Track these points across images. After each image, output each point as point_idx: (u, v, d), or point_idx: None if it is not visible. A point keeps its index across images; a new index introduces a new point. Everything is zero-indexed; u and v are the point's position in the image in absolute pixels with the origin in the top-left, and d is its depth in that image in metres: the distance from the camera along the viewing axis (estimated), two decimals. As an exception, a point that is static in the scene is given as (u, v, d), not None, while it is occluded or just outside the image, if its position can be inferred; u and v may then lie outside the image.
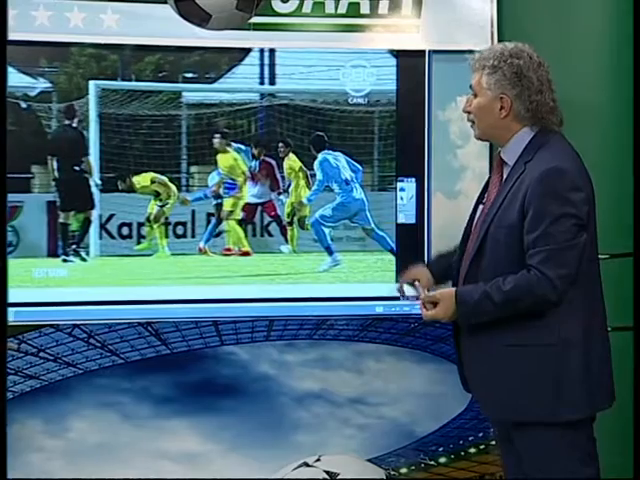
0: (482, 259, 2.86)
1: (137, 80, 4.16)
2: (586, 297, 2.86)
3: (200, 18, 3.12)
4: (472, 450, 4.24)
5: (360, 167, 4.29)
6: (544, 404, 2.81)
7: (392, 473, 4.18)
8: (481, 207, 2.98)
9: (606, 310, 2.96)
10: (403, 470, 4.24)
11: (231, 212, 4.34)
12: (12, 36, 3.06)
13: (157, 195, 4.27)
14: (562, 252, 2.72)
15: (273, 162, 4.34)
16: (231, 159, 4.30)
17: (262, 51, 4.18)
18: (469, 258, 2.90)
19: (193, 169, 4.32)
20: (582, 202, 2.76)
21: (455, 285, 2.98)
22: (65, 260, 4.11)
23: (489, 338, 2.84)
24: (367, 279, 4.27)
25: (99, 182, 4.15)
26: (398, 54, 4.18)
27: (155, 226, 4.27)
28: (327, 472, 3.55)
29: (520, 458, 2.92)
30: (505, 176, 2.90)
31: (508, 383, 2.83)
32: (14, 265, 3.85)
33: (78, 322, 4.02)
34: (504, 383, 2.83)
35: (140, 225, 4.26)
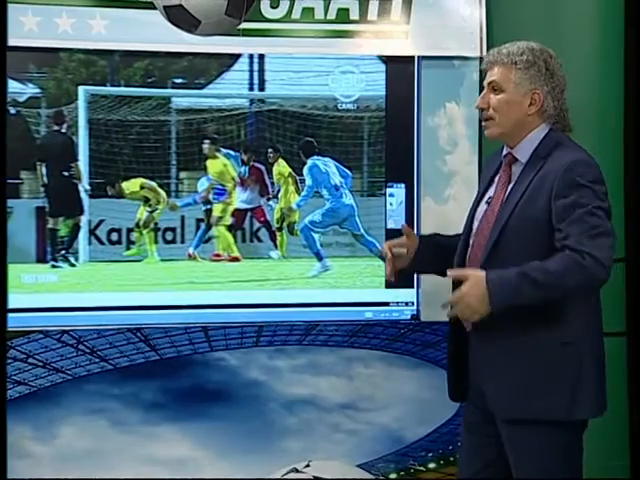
0: (500, 253, 2.82)
1: (126, 85, 4.16)
2: (596, 296, 2.89)
3: (189, 24, 3.12)
4: (461, 456, 4.24)
5: (349, 173, 4.29)
6: (561, 403, 2.80)
7: (381, 479, 4.18)
8: (485, 206, 2.95)
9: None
10: (392, 476, 4.24)
11: (220, 218, 4.33)
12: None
13: (146, 201, 4.27)
14: (598, 237, 2.70)
15: (262, 168, 4.33)
16: (220, 165, 4.30)
17: (251, 57, 4.18)
18: (484, 252, 2.86)
19: (182, 175, 4.32)
20: (606, 195, 2.81)
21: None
22: (54, 266, 4.11)
23: (503, 336, 2.80)
24: (356, 284, 4.27)
25: (88, 188, 4.14)
26: (387, 60, 4.19)
27: (144, 232, 4.26)
28: (316, 478, 3.54)
29: (500, 456, 2.92)
30: (518, 173, 2.89)
31: (523, 381, 2.80)
32: (3, 271, 3.84)
33: (67, 328, 4.01)
34: (520, 381, 2.81)
35: (129, 231, 4.25)
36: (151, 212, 4.28)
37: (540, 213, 2.77)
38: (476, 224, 2.96)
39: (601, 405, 2.91)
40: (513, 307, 2.71)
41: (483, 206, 2.97)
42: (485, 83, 2.95)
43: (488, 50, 3.98)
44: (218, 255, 4.30)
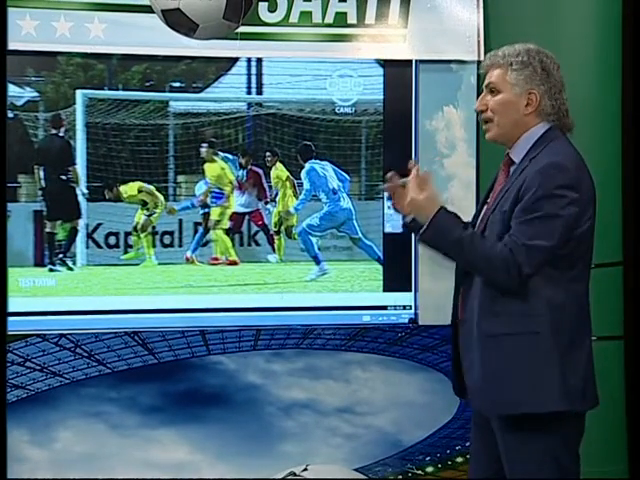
0: None
1: (124, 89, 4.16)
2: (580, 299, 2.86)
3: (187, 27, 3.13)
4: (459, 459, 4.24)
5: (347, 176, 4.29)
6: (550, 394, 2.77)
7: (379, 482, 4.19)
8: (485, 207, 2.97)
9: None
10: (390, 479, 4.24)
11: (218, 221, 4.34)
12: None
13: (144, 204, 4.27)
14: (533, 249, 2.71)
15: (260, 171, 4.34)
16: (218, 168, 4.30)
17: (249, 60, 4.19)
18: None
19: (180, 178, 4.32)
20: (572, 202, 2.76)
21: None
22: (52, 269, 4.10)
23: (478, 328, 2.80)
24: (354, 288, 4.27)
25: (86, 191, 4.15)
26: (385, 64, 4.19)
27: (142, 235, 4.26)
28: (314, 481, 3.55)
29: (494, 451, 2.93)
30: (511, 173, 2.90)
31: (501, 375, 2.78)
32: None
33: (65, 332, 4.01)
34: (497, 375, 2.79)
35: (127, 234, 4.25)
36: (149, 216, 4.28)
37: (508, 209, 2.78)
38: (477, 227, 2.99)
39: (589, 399, 2.86)
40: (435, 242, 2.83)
41: (485, 208, 2.99)
42: (483, 85, 2.96)
43: (485, 54, 4.01)
44: (216, 259, 4.30)
